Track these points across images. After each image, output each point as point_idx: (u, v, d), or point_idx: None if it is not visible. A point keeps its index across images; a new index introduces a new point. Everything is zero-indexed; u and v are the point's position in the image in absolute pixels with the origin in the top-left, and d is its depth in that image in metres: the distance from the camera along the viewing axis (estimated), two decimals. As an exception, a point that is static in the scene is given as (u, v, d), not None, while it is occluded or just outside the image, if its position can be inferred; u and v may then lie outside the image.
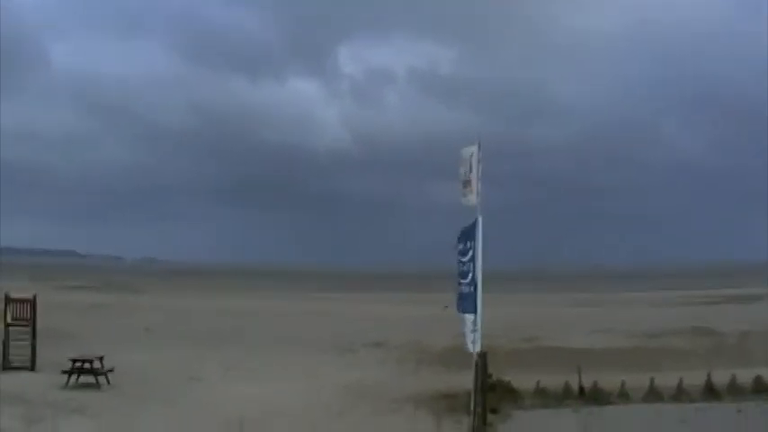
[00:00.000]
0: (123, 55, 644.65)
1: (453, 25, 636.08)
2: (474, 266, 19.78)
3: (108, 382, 26.69)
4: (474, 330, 19.99)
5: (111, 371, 27.14)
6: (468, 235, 20.23)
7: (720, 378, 26.15)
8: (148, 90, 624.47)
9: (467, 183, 20.36)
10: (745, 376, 26.18)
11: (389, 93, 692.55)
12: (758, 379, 25.76)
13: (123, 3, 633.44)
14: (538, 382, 25.17)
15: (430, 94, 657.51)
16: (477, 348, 19.93)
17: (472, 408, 20.14)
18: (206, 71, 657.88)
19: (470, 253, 19.99)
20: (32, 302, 29.85)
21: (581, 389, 24.96)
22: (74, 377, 26.45)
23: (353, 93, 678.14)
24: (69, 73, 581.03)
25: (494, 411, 21.54)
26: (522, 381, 25.28)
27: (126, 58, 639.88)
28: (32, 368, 28.83)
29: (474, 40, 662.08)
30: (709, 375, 26.02)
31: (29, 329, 29.40)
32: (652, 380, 25.28)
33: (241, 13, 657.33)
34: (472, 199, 20.04)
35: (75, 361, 26.73)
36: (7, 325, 29.31)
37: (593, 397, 24.54)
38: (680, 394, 24.87)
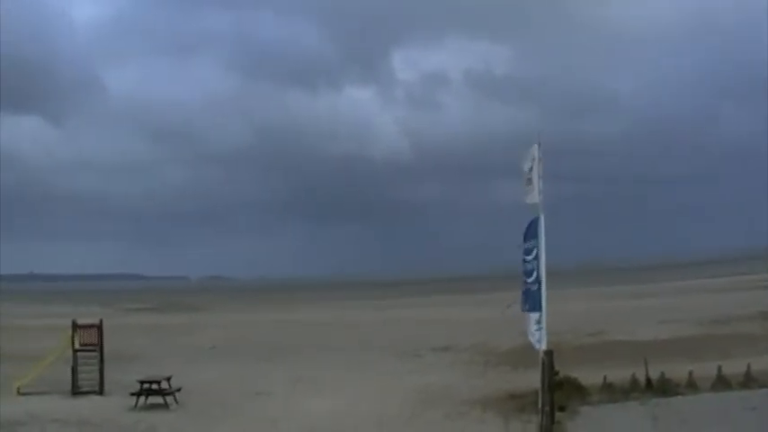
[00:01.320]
0: (180, 77, 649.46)
1: (506, 24, 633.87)
2: (538, 264, 19.76)
3: (176, 402, 26.80)
4: (539, 328, 19.95)
5: (178, 390, 27.29)
6: (531, 233, 20.22)
7: (790, 362, 25.84)
8: (207, 110, 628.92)
9: (528, 181, 20.37)
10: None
11: (446, 96, 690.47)
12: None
13: (177, 25, 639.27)
14: (605, 377, 24.97)
15: (486, 94, 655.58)
16: (543, 346, 19.86)
17: (540, 406, 20.07)
18: (262, 87, 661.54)
19: (534, 251, 19.98)
20: (99, 327, 30.15)
21: (648, 381, 24.71)
22: (142, 399, 26.61)
23: (410, 98, 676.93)
24: (127, 98, 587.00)
25: (562, 409, 21.40)
26: (589, 376, 25.10)
27: (183, 80, 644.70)
28: (101, 392, 29.05)
29: (527, 38, 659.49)
30: (777, 359, 25.74)
31: (96, 354, 29.68)
32: (719, 368, 24.95)
33: (294, 25, 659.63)
34: (534, 197, 20.03)
35: (142, 382, 26.93)
36: (75, 351, 29.61)
37: (660, 388, 24.25)
38: (748, 381, 24.49)
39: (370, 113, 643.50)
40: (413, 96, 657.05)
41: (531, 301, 20.26)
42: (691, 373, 24.91)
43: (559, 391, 21.70)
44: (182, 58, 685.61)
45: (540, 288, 19.66)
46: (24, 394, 28.76)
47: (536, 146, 20.10)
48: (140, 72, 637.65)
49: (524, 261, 20.60)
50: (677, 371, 25.25)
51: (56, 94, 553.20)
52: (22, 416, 24.73)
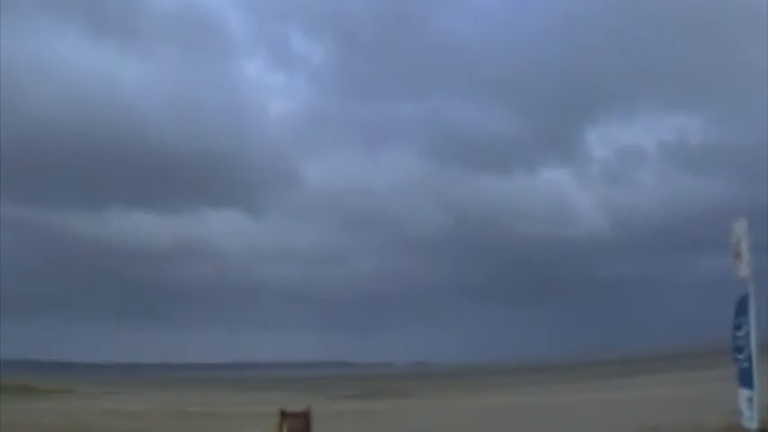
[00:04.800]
0: (373, 165, 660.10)
1: (698, 92, 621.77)
2: (749, 340, 19.22)
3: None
4: (751, 406, 19.33)
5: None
6: (741, 309, 19.70)
7: None
8: (401, 196, 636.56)
9: (737, 255, 19.90)
10: None
11: (641, 171, 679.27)
12: None
13: (368, 114, 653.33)
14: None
15: (682, 166, 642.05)
16: (755, 425, 19.22)
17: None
18: (455, 171, 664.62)
19: (744, 327, 19.44)
20: (307, 414, 30.61)
21: None
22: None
23: (605, 175, 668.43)
24: (323, 188, 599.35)
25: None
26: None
27: (376, 168, 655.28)
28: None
29: (721, 105, 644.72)
30: None
31: (304, 442, 30.08)
32: None
33: (484, 108, 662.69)
34: (743, 271, 19.53)
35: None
36: (284, 438, 30.06)
37: None
38: None
39: (566, 192, 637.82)
40: (608, 173, 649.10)
41: (743, 378, 19.69)
42: None
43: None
44: (374, 146, 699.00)
45: (751, 365, 19.08)
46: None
47: (743, 219, 19.64)
48: (334, 162, 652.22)
49: (735, 337, 20.06)
50: None
51: (254, 187, 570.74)
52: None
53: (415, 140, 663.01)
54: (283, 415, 30.63)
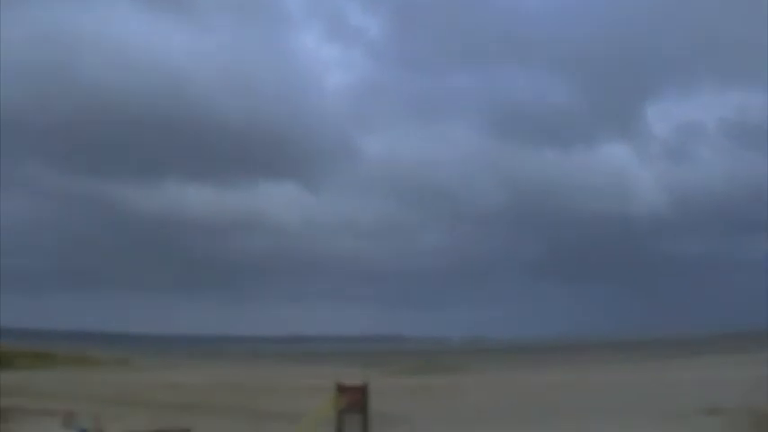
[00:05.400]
0: (431, 138, 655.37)
1: (761, 69, 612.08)
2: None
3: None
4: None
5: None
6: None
7: None
8: (459, 170, 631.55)
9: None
10: None
11: (701, 147, 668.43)
12: None
13: (426, 87, 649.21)
14: None
15: (743, 143, 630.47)
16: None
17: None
18: (514, 145, 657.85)
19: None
20: (364, 389, 30.48)
21: None
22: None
23: (665, 151, 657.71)
24: (380, 162, 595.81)
25: None
26: None
27: (434, 141, 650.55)
28: (366, 453, 29.29)
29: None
30: None
31: (361, 416, 29.94)
32: None
33: (545, 83, 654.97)
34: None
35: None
36: (339, 412, 29.97)
37: None
38: None
39: (625, 169, 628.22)
40: (668, 149, 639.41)
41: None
42: None
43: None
44: (431, 120, 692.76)
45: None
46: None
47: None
48: (392, 135, 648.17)
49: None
50: None
51: (311, 160, 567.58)
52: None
53: (473, 113, 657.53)
54: (340, 388, 30.55)
